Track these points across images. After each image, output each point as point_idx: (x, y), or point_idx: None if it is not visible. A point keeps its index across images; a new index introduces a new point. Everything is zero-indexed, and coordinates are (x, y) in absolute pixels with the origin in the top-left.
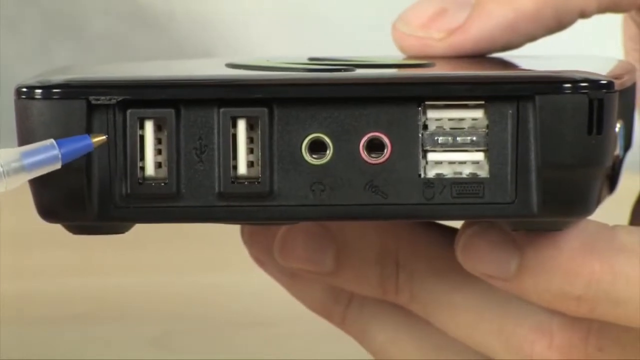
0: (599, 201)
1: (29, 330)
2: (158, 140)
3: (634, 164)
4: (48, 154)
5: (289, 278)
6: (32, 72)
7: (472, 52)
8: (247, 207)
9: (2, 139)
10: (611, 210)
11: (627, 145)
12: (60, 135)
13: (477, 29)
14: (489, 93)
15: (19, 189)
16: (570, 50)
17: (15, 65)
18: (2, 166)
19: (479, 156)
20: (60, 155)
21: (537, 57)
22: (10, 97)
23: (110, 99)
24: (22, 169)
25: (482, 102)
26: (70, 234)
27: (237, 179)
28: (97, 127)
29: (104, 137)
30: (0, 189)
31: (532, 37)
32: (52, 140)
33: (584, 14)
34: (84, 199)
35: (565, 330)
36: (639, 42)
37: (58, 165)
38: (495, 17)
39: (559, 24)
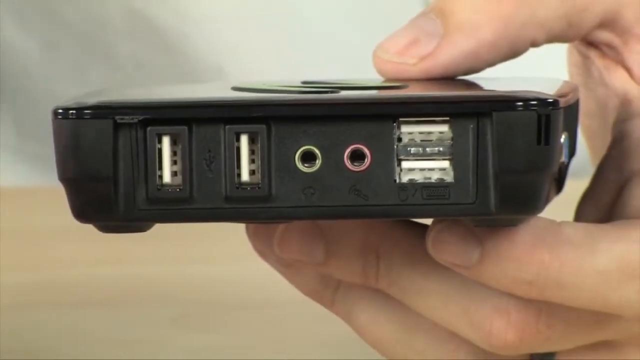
0: (547, 201)
1: (63, 313)
2: (174, 153)
3: (578, 169)
4: None
5: (286, 267)
6: (68, 91)
7: (441, 75)
8: (249, 208)
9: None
10: (559, 209)
11: (572, 152)
12: (90, 148)
13: (444, 56)
14: (453, 111)
15: (57, 191)
16: (525, 73)
17: (53, 84)
18: None
19: (445, 164)
20: None
21: (495, 79)
22: (43, 111)
23: (132, 119)
24: None
25: (448, 118)
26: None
27: (240, 185)
28: (122, 143)
29: None
30: None
31: (491, 63)
32: None
33: (535, 44)
34: (111, 203)
35: (520, 310)
36: (581, 67)
37: None
38: (460, 46)
39: (514, 52)
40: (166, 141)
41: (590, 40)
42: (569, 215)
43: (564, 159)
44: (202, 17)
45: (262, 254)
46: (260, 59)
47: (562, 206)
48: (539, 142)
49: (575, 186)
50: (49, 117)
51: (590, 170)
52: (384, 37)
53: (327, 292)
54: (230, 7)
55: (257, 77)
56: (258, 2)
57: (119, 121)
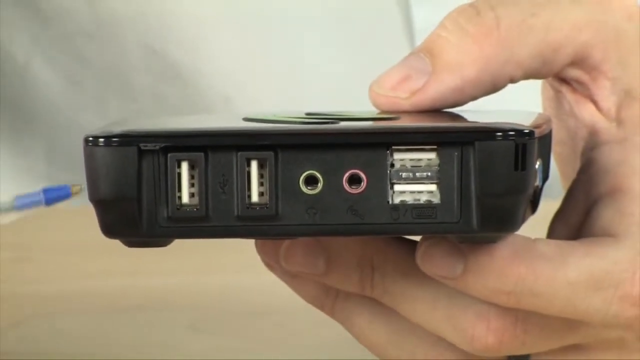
0: (523, 220)
1: (92, 319)
2: (191, 176)
3: (551, 192)
4: (35, 199)
5: (291, 278)
6: (91, 121)
7: (429, 108)
8: (258, 226)
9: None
10: (534, 227)
11: (545, 177)
12: (117, 172)
13: (433, 91)
14: (440, 140)
15: (87, 210)
16: (504, 105)
17: (77, 116)
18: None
19: (433, 187)
20: (44, 199)
21: (478, 112)
22: (70, 139)
23: (155, 146)
24: (13, 208)
25: (435, 147)
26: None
27: (251, 205)
28: (145, 167)
29: (80, 186)
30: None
31: (474, 98)
32: (40, 189)
33: (513, 80)
34: (136, 221)
35: (499, 317)
36: (554, 100)
37: (42, 206)
38: (447, 82)
39: (494, 88)
40: (185, 166)
41: (562, 76)
42: (542, 232)
43: (538, 182)
44: (212, 52)
45: (270, 266)
46: (264, 89)
47: (537, 225)
48: (516, 168)
49: (549, 207)
50: (74, 145)
51: (561, 193)
52: (373, 68)
53: (328, 300)
54: (238, 44)
55: (260, 105)
56: (262, 40)
57: (143, 148)
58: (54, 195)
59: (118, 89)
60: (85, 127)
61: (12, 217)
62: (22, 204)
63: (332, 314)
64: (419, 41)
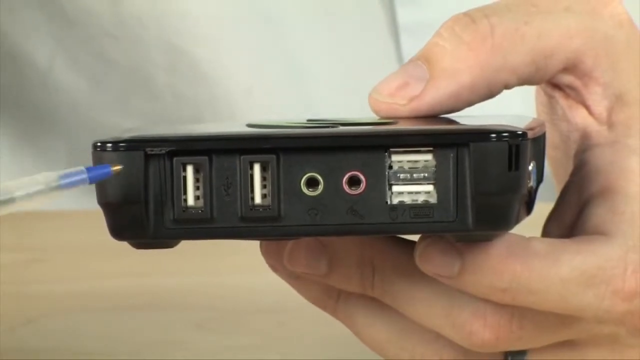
0: (517, 219)
1: (103, 317)
2: (196, 179)
3: (545, 195)
4: (79, 177)
5: (295, 279)
6: (113, 120)
7: (427, 114)
8: (262, 227)
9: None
10: (529, 228)
11: (539, 179)
12: (125, 176)
13: (430, 97)
14: (436, 142)
15: (97, 213)
16: (500, 110)
17: (99, 115)
18: (45, 184)
19: (430, 188)
20: (88, 178)
21: (474, 116)
22: (92, 139)
23: (161, 150)
24: (59, 187)
25: (431, 149)
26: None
27: (254, 207)
28: (152, 171)
29: (120, 167)
30: (41, 203)
31: (470, 103)
32: (83, 168)
33: (508, 86)
34: (143, 223)
35: (495, 314)
36: (547, 105)
37: (87, 184)
38: (443, 89)
39: (489, 94)
40: (190, 170)
41: (555, 82)
42: (537, 232)
43: (532, 183)
44: (232, 49)
45: (274, 268)
46: (280, 83)
47: (533, 226)
48: (509, 169)
49: (544, 209)
50: (89, 140)
51: (555, 196)
52: (365, 78)
53: (330, 300)
54: (254, 41)
55: (278, 99)
56: (271, 37)
57: (149, 152)
58: (96, 174)
59: (140, 88)
60: (107, 127)
61: (57, 196)
62: (67, 182)
63: (334, 313)
64: (403, 38)
